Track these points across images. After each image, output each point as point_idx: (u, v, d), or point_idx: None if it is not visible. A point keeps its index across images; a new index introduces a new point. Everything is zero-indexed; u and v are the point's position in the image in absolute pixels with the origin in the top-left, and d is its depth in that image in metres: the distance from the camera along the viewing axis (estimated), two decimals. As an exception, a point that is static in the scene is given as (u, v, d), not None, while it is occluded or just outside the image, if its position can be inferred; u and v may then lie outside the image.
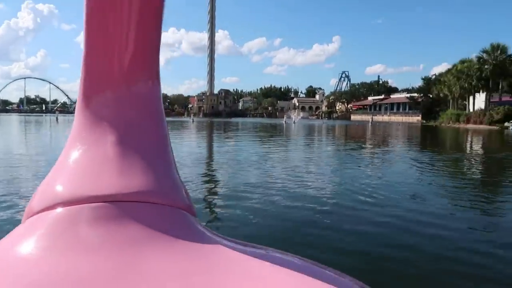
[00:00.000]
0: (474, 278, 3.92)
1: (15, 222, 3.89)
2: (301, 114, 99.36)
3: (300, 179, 9.09)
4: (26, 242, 0.45)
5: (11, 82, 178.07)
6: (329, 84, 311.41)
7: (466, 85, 59.23)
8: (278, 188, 7.92)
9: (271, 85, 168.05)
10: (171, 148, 0.59)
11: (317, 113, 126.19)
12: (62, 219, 0.47)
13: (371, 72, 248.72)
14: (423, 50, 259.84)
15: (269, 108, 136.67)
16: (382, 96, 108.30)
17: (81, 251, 0.44)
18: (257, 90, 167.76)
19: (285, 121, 60.39)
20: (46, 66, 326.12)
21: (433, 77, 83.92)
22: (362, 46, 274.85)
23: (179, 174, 0.58)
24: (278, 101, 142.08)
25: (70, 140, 0.56)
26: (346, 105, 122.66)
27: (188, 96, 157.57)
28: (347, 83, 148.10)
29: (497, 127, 47.82)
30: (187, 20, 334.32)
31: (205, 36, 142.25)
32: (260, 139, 26.34)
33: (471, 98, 62.17)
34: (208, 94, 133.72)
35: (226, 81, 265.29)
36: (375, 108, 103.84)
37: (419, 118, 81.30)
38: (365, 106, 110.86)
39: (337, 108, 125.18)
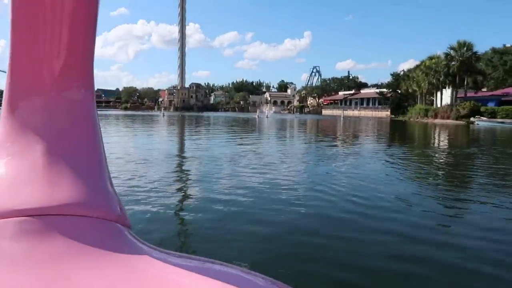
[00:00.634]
0: (433, 268, 3.74)
1: None
2: (273, 108, 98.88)
3: (275, 178, 8.58)
4: None
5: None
6: (301, 79, 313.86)
7: (434, 81, 60.70)
8: (253, 188, 7.37)
9: (243, 79, 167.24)
10: (105, 156, 0.58)
11: (289, 107, 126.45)
12: None
13: (342, 67, 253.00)
14: (390, 47, 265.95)
15: (241, 102, 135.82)
16: (353, 91, 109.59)
17: (2, 267, 0.41)
18: (229, 84, 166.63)
19: (257, 116, 59.92)
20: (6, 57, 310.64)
21: (402, 73, 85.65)
22: (333, 42, 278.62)
23: (113, 185, 0.56)
24: (250, 96, 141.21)
25: None
26: (317, 100, 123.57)
27: (159, 90, 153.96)
28: (318, 78, 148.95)
29: (464, 122, 49.26)
30: (157, 12, 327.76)
31: (175, 29, 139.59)
32: (233, 133, 25.68)
33: (438, 93, 63.84)
34: (179, 88, 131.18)
35: (197, 75, 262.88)
36: (346, 103, 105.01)
37: (388, 113, 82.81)
38: (336, 101, 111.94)
39: (308, 102, 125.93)
